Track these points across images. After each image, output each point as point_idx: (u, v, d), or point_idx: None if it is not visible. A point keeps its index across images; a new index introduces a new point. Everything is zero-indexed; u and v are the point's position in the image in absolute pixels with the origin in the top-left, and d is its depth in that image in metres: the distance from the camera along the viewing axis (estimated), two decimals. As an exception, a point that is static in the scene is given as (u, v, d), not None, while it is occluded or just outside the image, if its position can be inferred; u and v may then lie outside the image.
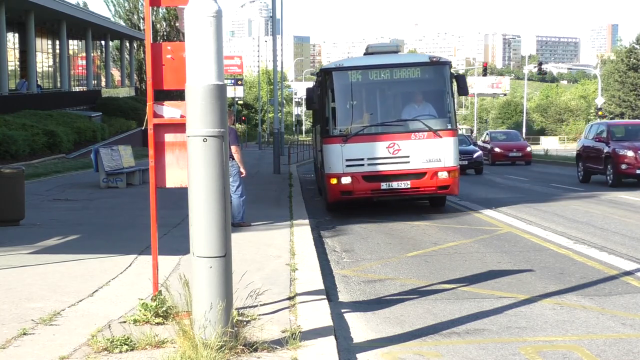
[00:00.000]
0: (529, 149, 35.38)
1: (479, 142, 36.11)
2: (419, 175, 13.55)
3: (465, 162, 26.05)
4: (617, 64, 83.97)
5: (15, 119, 26.57)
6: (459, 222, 13.12)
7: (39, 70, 39.30)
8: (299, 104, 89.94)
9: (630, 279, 8.03)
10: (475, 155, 27.53)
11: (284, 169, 26.56)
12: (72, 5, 40.26)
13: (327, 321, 5.87)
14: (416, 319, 6.49)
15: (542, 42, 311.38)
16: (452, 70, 14.41)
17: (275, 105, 30.47)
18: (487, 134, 38.20)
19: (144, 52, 17.33)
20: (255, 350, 5.06)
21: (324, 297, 6.77)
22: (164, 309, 5.78)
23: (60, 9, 35.72)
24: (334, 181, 13.65)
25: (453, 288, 7.68)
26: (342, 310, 6.77)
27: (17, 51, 38.35)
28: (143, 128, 6.42)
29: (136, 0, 56.05)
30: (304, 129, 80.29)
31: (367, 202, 15.01)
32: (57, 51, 41.52)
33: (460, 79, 14.11)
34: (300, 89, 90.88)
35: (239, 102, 71.37)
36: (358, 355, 5.46)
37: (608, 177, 19.70)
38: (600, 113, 49.81)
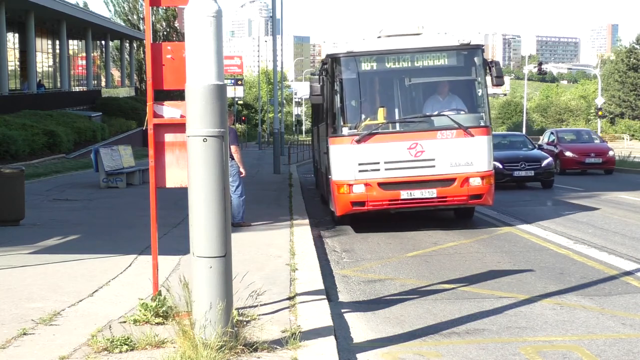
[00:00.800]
0: (611, 153, 26.55)
1: (544, 145, 27.22)
2: (446, 182, 11.45)
3: (532, 173, 19.83)
4: (617, 64, 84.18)
5: (15, 119, 26.54)
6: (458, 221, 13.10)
7: (39, 70, 39.27)
8: (299, 104, 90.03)
9: (630, 279, 8.04)
10: (544, 163, 20.09)
11: (284, 169, 26.55)
12: (72, 5, 40.22)
13: (327, 321, 5.87)
14: (416, 319, 6.49)
15: (542, 42, 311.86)
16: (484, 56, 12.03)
17: (275, 105, 30.45)
18: (553, 133, 29.02)
19: (144, 52, 17.35)
20: (255, 350, 5.06)
21: (324, 297, 6.78)
22: (164, 309, 5.80)
23: (60, 9, 35.68)
24: (343, 190, 11.48)
25: (453, 288, 7.68)
26: (342, 310, 6.77)
27: (17, 51, 38.32)
28: (143, 128, 6.42)
29: (135, 0, 56.15)
30: (304, 129, 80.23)
31: (382, 214, 12.94)
32: (57, 51, 41.49)
33: (496, 66, 11.86)
34: (300, 89, 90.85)
35: (239, 102, 71.34)
36: (358, 355, 5.46)
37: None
38: (600, 113, 49.84)
